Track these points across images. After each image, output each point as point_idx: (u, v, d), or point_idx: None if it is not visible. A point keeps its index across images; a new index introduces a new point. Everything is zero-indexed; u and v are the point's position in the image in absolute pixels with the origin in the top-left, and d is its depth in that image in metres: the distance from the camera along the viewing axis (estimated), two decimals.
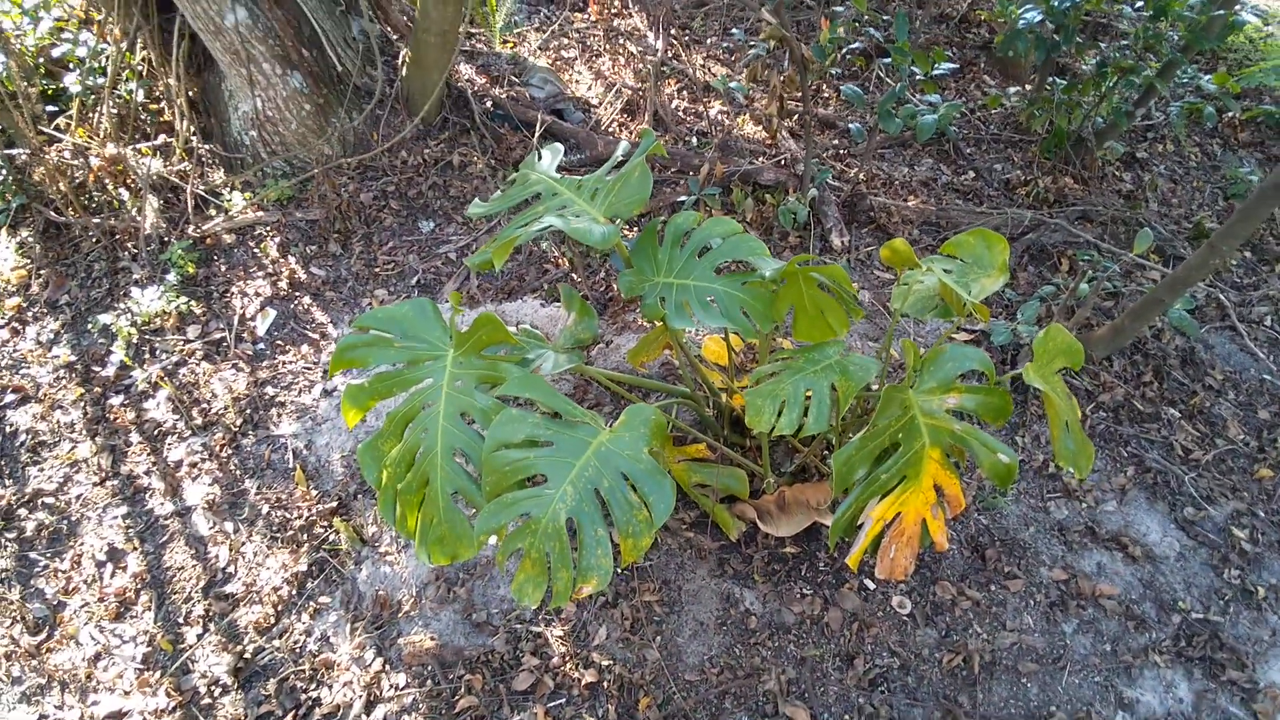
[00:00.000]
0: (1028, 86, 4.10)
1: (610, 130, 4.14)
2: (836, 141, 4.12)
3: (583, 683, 2.26)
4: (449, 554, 1.91)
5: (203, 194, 3.77)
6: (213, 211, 3.82)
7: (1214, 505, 2.69)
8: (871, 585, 2.46)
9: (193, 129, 3.89)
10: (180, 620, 2.61)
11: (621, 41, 4.81)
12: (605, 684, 2.26)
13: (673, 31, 4.89)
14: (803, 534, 2.54)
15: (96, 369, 3.28)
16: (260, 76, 3.65)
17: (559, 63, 4.64)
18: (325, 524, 2.70)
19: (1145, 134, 4.48)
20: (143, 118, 3.94)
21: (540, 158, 2.28)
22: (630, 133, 4.16)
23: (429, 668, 2.33)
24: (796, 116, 4.09)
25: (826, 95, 4.42)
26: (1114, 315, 3.30)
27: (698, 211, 3.53)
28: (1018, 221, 3.59)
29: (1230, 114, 4.68)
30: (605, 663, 2.30)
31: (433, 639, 2.38)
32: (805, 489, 2.58)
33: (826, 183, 3.54)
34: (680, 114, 4.29)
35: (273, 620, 2.55)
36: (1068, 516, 2.67)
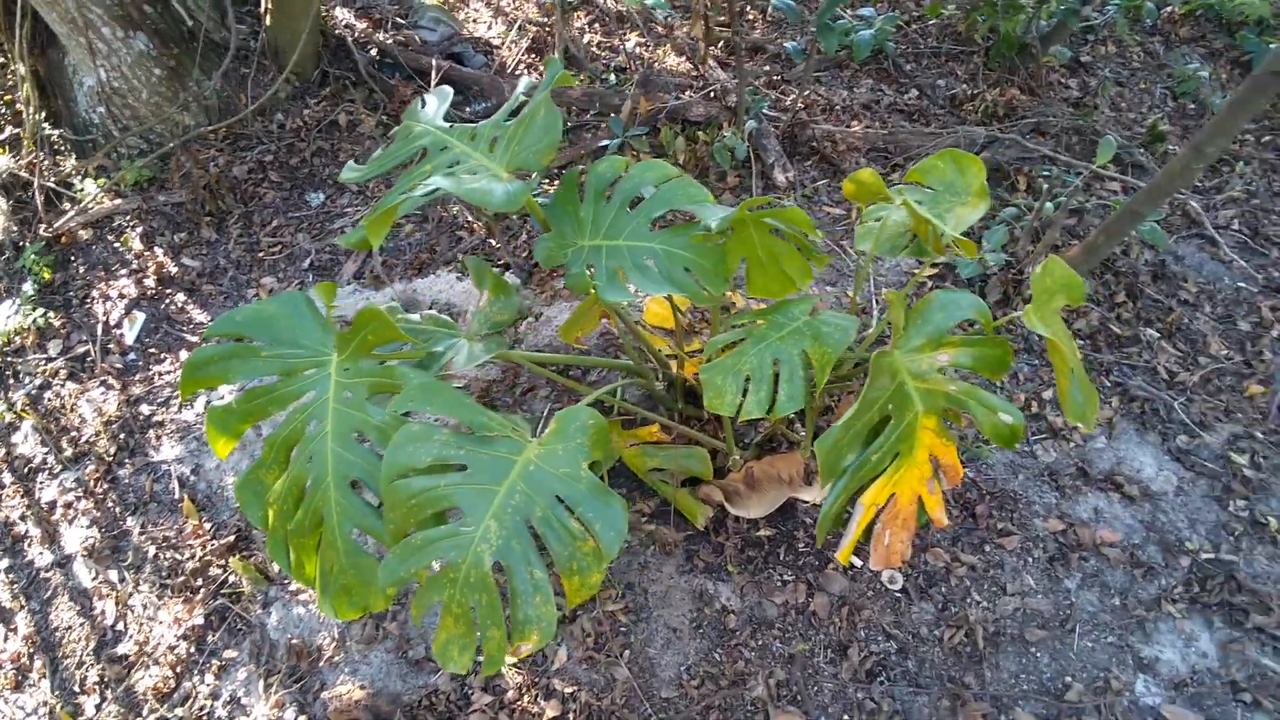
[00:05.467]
0: None
1: (518, 73, 3.67)
2: (768, 67, 3.74)
3: (544, 718, 1.95)
4: (358, 606, 1.54)
5: (54, 187, 3.20)
6: (66, 205, 3.25)
7: (1208, 431, 2.50)
8: (859, 562, 2.20)
9: (41, 114, 3.29)
10: (76, 689, 2.21)
11: None
12: (570, 715, 1.96)
13: None
14: (777, 512, 2.26)
15: None
16: (100, 43, 3.09)
17: (453, 0, 4.10)
18: (222, 563, 2.29)
19: (1086, 37, 4.23)
20: None
21: (424, 104, 1.85)
22: (539, 73, 3.69)
23: None
24: (724, 42, 3.69)
25: (752, 17, 4.01)
26: (1078, 233, 3.07)
27: (623, 156, 3.14)
28: (971, 140, 3.31)
29: (1169, 8, 4.46)
30: (569, 690, 2.00)
31: (363, 687, 2.02)
32: (775, 461, 2.29)
33: (763, 113, 3.18)
34: (594, 49, 3.84)
35: (173, 684, 2.16)
36: (1057, 459, 2.45)
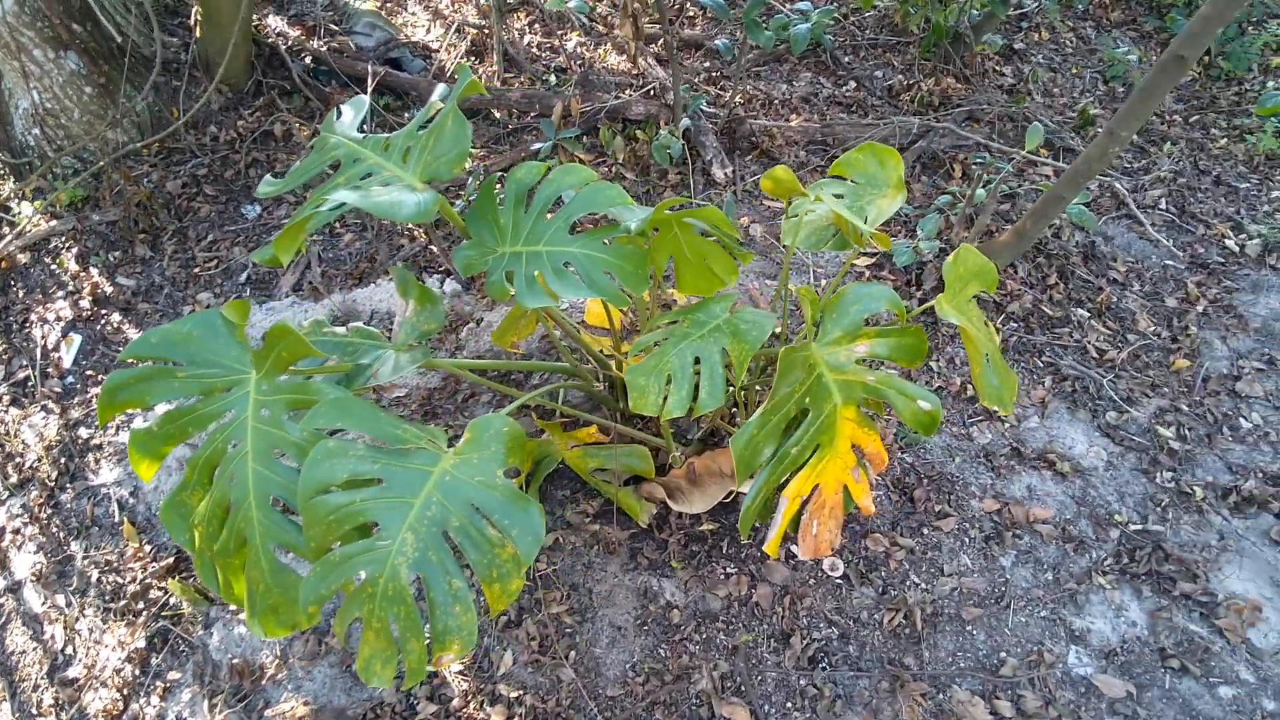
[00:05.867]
0: None
1: (457, 76, 3.65)
2: (709, 63, 3.76)
3: None
4: (286, 624, 1.54)
5: None
6: (6, 230, 3.19)
7: (1135, 406, 2.58)
8: (801, 556, 2.24)
9: None
10: (34, 711, 2.20)
11: None
12: (516, 719, 1.97)
13: None
14: (719, 507, 2.28)
15: None
16: (33, 65, 3.07)
17: (390, 4, 4.07)
18: (163, 586, 2.26)
19: (1020, 24, 4.32)
20: None
21: (340, 115, 1.84)
22: (480, 77, 3.68)
23: None
24: (662, 40, 3.70)
25: (692, 13, 4.03)
26: (1012, 218, 3.14)
27: (555, 159, 3.14)
28: (905, 130, 3.36)
29: None
30: (514, 694, 2.01)
31: (306, 703, 2.02)
32: (717, 456, 2.31)
33: (701, 110, 3.20)
34: (534, 50, 3.83)
35: (121, 706, 2.14)
36: (992, 440, 2.50)
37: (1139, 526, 2.32)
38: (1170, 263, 3.10)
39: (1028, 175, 3.34)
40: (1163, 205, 3.33)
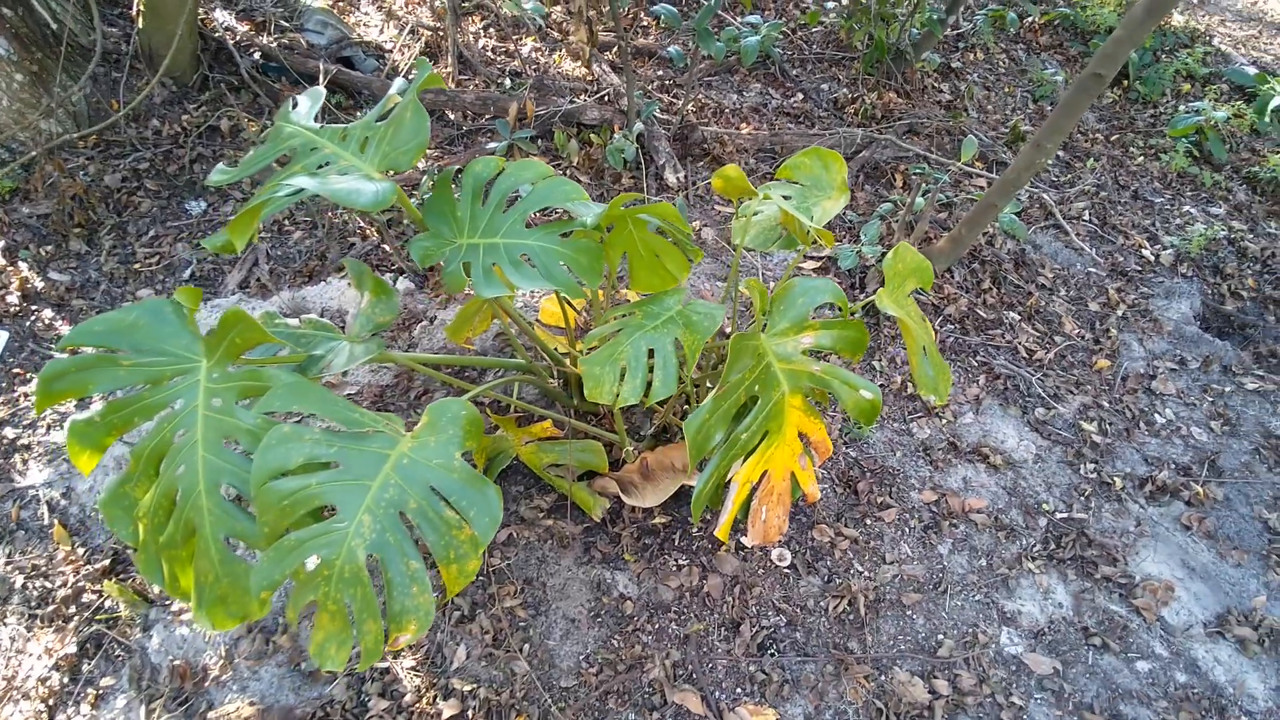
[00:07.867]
0: (844, 1, 3.98)
1: (410, 77, 3.64)
2: (661, 72, 3.84)
3: (443, 717, 1.95)
4: (236, 615, 1.52)
5: None
6: None
7: (1062, 403, 2.73)
8: (749, 543, 2.30)
9: None
10: None
11: None
12: (470, 713, 1.96)
13: None
14: (671, 500, 2.33)
15: None
16: None
17: (342, 3, 4.03)
18: (97, 589, 2.19)
19: (957, 44, 4.53)
20: None
21: (296, 105, 1.84)
22: None
23: None
24: (617, 48, 3.77)
25: (646, 23, 4.11)
26: (949, 226, 3.29)
27: (510, 159, 3.17)
28: (850, 140, 3.49)
29: (1030, 18, 4.82)
30: (467, 688, 2.00)
31: (253, 704, 1.97)
32: (669, 451, 2.36)
33: (654, 116, 3.27)
34: (489, 54, 3.85)
35: (46, 718, 2.05)
36: (930, 435, 2.62)
37: (1065, 515, 2.45)
38: (1093, 270, 3.29)
39: (963, 186, 3.51)
40: (1087, 216, 3.54)
